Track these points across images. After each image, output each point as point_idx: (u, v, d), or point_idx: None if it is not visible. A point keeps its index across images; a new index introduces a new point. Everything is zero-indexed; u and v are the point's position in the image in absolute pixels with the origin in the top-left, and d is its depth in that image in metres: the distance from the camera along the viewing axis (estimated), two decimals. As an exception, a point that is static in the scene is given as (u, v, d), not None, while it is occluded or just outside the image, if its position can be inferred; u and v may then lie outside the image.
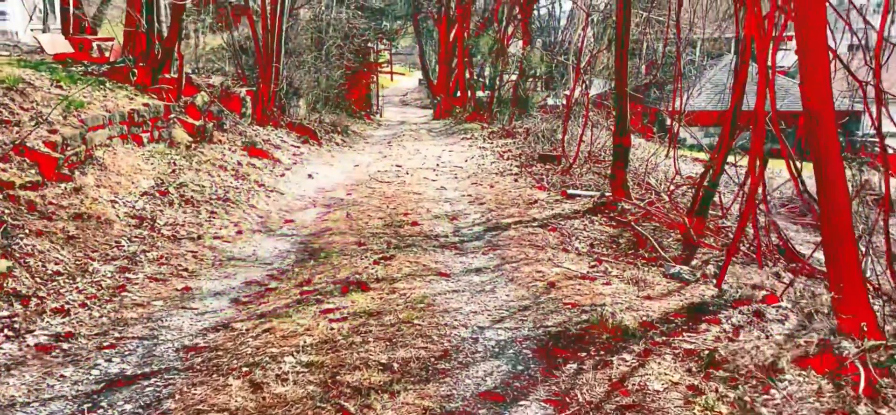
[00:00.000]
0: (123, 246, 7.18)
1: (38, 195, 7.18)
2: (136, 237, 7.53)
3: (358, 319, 5.34)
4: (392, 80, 47.20)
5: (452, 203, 10.79)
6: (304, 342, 4.82)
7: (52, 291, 5.80)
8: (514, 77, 27.34)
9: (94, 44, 15.76)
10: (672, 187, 11.13)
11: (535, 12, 31.49)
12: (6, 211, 6.59)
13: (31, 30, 19.90)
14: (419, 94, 44.12)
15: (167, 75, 11.89)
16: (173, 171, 9.88)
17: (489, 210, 10.30)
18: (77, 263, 6.50)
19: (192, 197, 9.20)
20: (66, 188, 7.64)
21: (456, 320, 5.42)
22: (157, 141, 10.84)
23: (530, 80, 27.22)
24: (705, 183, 9.22)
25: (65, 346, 4.88)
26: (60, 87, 9.64)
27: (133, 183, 8.86)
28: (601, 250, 8.47)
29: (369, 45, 30.44)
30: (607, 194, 10.82)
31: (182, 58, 12.08)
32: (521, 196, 11.23)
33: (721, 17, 14.20)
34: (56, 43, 16.13)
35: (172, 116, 11.44)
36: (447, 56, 33.08)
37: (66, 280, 6.11)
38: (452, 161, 15.55)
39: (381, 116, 32.55)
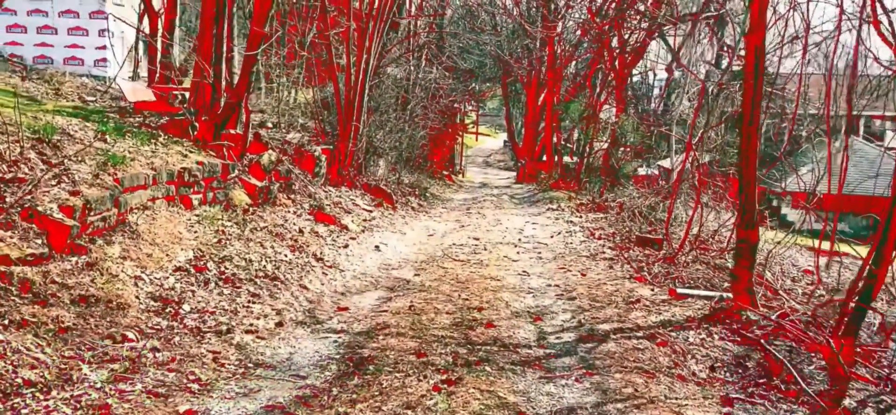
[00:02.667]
0: (131, 341, 5.65)
1: (38, 272, 5.78)
2: (151, 328, 6.01)
3: None
4: (477, 140, 45.89)
5: (536, 295, 8.88)
6: None
7: (5, 417, 4.27)
8: (605, 145, 25.35)
9: (176, 93, 14.94)
10: (809, 295, 8.86)
11: (629, 79, 29.52)
12: (-15, 295, 5.19)
13: (127, 77, 19.55)
14: (503, 156, 42.57)
15: (232, 131, 10.62)
16: (220, 240, 8.44)
17: (581, 308, 8.33)
18: (62, 367, 4.98)
19: (233, 274, 7.68)
20: (77, 263, 6.23)
21: None
22: (211, 203, 9.50)
23: (622, 149, 25.11)
24: (856, 295, 7.04)
25: None
26: (104, 139, 8.43)
27: (167, 255, 7.42)
28: (725, 375, 6.41)
29: (456, 105, 29.13)
30: (727, 298, 8.65)
31: (249, 113, 10.83)
32: (620, 291, 9.20)
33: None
34: (137, 91, 15.42)
35: (232, 175, 10.12)
36: (534, 119, 31.41)
37: (37, 395, 4.58)
38: (536, 236, 13.64)
39: (462, 175, 31.04)
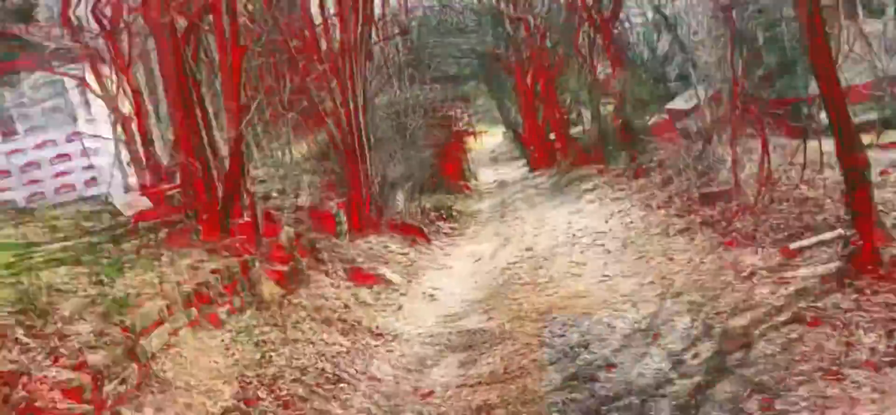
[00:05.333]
0: None
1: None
2: None
3: None
4: (475, 139, 44.45)
5: (636, 303, 7.41)
6: None
7: None
8: (610, 107, 23.82)
9: (170, 192, 13.58)
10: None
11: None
12: None
13: (121, 190, 18.21)
14: (507, 148, 41.11)
15: (239, 219, 9.22)
16: (263, 355, 7.01)
17: (695, 304, 6.87)
18: None
19: (290, 395, 6.25)
20: (103, 456, 4.81)
21: None
22: (241, 310, 8.06)
23: (631, 104, 23.57)
24: None
25: None
26: (101, 282, 7.01)
27: (209, 397, 5.99)
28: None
29: (451, 114, 27.71)
30: (853, 237, 7.13)
31: (252, 195, 9.43)
32: (724, 268, 7.74)
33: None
34: (133, 202, 14.13)
35: (254, 270, 8.70)
36: (529, 102, 29.86)
37: None
38: (590, 227, 12.16)
39: (476, 180, 29.63)
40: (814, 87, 12.66)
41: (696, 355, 5.69)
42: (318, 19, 15.19)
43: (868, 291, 6.07)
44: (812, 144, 10.42)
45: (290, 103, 15.61)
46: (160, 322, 6.62)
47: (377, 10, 21.03)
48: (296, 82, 14.73)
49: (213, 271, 7.94)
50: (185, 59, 8.76)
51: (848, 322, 5.63)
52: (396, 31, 24.94)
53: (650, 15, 27.82)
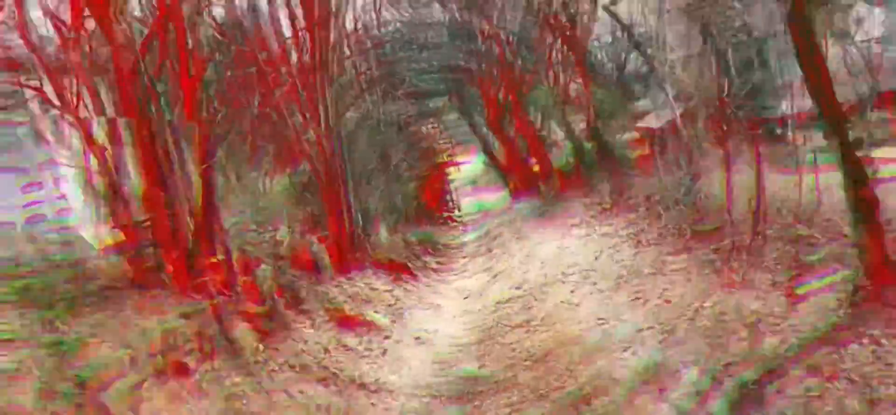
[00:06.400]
0: None
1: None
2: None
3: None
4: (458, 170, 44.12)
5: (635, 348, 6.93)
6: None
7: None
8: (582, 124, 23.49)
9: (142, 224, 12.90)
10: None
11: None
12: None
13: (91, 221, 17.44)
14: (488, 176, 40.67)
15: (212, 259, 8.60)
16: (235, 410, 6.40)
17: (701, 354, 6.39)
18: None
19: (264, 458, 5.64)
20: None
21: None
22: (212, 356, 7.44)
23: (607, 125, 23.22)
24: None
25: None
26: (55, 327, 6.38)
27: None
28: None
29: (433, 146, 27.24)
30: (862, 282, 6.72)
31: (225, 233, 8.83)
32: (727, 312, 7.28)
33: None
34: (101, 236, 13.42)
35: (228, 314, 8.07)
36: (499, 116, 29.41)
37: None
38: (580, 264, 11.67)
39: (459, 210, 29.13)
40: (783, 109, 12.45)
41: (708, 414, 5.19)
42: (287, 32, 14.71)
43: (885, 342, 5.64)
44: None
45: (260, 122, 15.00)
46: (121, 374, 6.02)
47: (349, 24, 20.64)
48: (264, 97, 14.15)
49: (184, 316, 7.34)
50: (141, 71, 8.18)
51: (865, 377, 5.20)
52: (368, 44, 24.54)
53: (620, 33, 27.76)
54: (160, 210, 8.42)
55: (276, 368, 7.54)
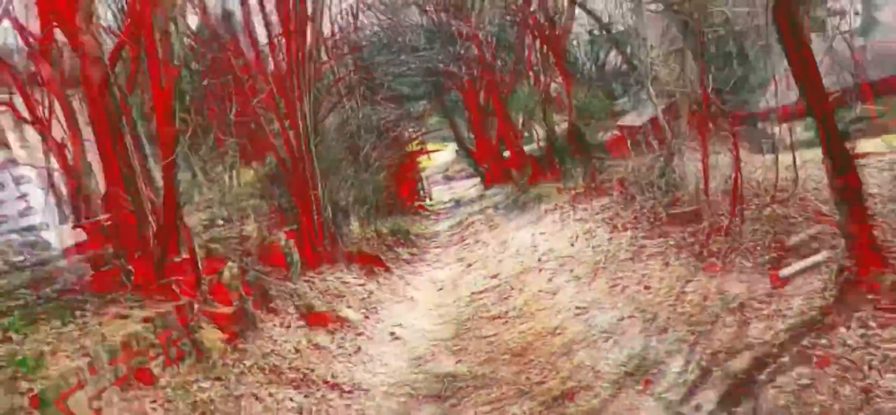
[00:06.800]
0: None
1: None
2: None
3: None
4: (428, 158, 43.80)
5: (618, 339, 6.72)
6: None
7: None
8: (563, 123, 23.41)
9: (105, 224, 12.35)
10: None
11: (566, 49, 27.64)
12: None
13: (55, 222, 16.77)
14: (460, 165, 40.45)
15: (176, 258, 8.18)
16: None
17: (684, 342, 6.20)
18: None
19: (233, 469, 5.30)
20: None
21: None
22: (178, 361, 7.05)
23: (587, 122, 23.16)
24: None
25: None
26: (9, 337, 5.94)
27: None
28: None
29: (404, 134, 26.89)
30: (848, 265, 6.59)
31: (189, 231, 8.41)
32: (709, 297, 7.11)
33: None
34: (65, 234, 12.86)
35: (193, 315, 7.68)
36: (481, 119, 29.23)
37: None
38: (556, 250, 11.48)
39: (430, 199, 28.85)
40: (765, 102, 12.37)
41: (697, 408, 4.98)
42: (263, 39, 14.23)
43: (874, 325, 5.50)
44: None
45: (237, 126, 14.57)
46: (80, 385, 5.61)
47: (326, 29, 20.15)
48: (241, 104, 13.73)
49: (146, 320, 6.92)
50: (111, 82, 7.75)
51: (857, 362, 5.04)
52: (346, 49, 24.09)
53: (597, 32, 27.68)
54: (122, 211, 7.96)
55: (245, 371, 7.17)
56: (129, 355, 6.42)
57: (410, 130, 31.35)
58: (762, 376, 5.13)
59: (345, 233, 15.16)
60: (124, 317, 6.86)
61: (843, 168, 6.57)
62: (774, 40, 10.00)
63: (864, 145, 10.92)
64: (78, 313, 6.93)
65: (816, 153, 8.39)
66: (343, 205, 15.48)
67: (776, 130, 11.09)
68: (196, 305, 7.86)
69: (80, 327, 6.49)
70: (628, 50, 20.68)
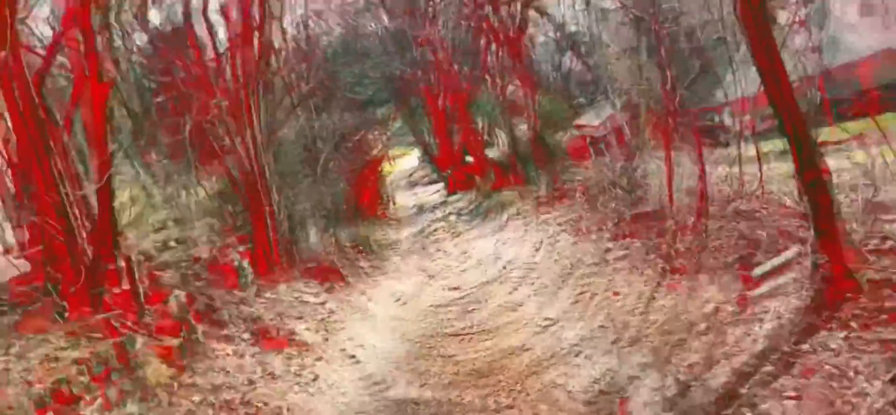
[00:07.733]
0: None
1: None
2: None
3: None
4: (391, 163, 43.25)
5: (590, 357, 6.36)
6: None
7: None
8: (524, 126, 23.16)
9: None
10: None
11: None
12: None
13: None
14: (423, 171, 39.97)
15: (116, 289, 7.55)
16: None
17: (660, 356, 5.85)
18: None
19: None
20: None
21: None
22: (119, 404, 6.44)
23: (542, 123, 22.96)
24: None
25: None
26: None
27: None
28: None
29: (367, 140, 26.32)
30: (823, 261, 6.31)
31: (128, 258, 7.79)
32: (680, 304, 6.79)
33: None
34: (8, 265, 12.05)
35: (137, 346, 7.07)
36: (443, 126, 28.84)
37: None
38: (521, 259, 11.11)
39: (394, 204, 28.34)
40: (719, 96, 12.21)
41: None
42: (209, 52, 13.59)
43: (855, 325, 5.23)
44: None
45: (191, 142, 13.87)
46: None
47: (277, 41, 19.50)
48: (194, 120, 13.06)
49: (80, 360, 6.31)
50: (35, 105, 7.09)
51: (840, 367, 4.75)
52: (298, 59, 23.44)
53: (552, 33, 27.52)
54: (53, 241, 7.31)
55: (193, 408, 6.60)
56: (62, 401, 5.83)
57: (372, 135, 30.82)
58: (744, 390, 4.79)
59: (303, 246, 14.57)
60: (53, 360, 6.24)
61: (809, 159, 6.33)
62: (730, 33, 9.84)
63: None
64: (3, 351, 6.29)
65: (776, 144, 8.20)
66: (300, 216, 14.87)
67: (735, 123, 10.93)
68: (139, 340, 7.25)
69: (6, 366, 5.87)
70: (583, 50, 20.56)
